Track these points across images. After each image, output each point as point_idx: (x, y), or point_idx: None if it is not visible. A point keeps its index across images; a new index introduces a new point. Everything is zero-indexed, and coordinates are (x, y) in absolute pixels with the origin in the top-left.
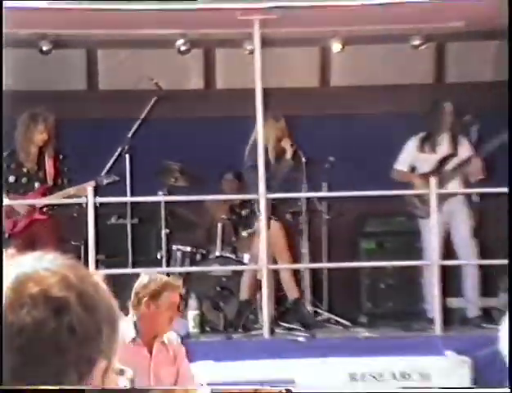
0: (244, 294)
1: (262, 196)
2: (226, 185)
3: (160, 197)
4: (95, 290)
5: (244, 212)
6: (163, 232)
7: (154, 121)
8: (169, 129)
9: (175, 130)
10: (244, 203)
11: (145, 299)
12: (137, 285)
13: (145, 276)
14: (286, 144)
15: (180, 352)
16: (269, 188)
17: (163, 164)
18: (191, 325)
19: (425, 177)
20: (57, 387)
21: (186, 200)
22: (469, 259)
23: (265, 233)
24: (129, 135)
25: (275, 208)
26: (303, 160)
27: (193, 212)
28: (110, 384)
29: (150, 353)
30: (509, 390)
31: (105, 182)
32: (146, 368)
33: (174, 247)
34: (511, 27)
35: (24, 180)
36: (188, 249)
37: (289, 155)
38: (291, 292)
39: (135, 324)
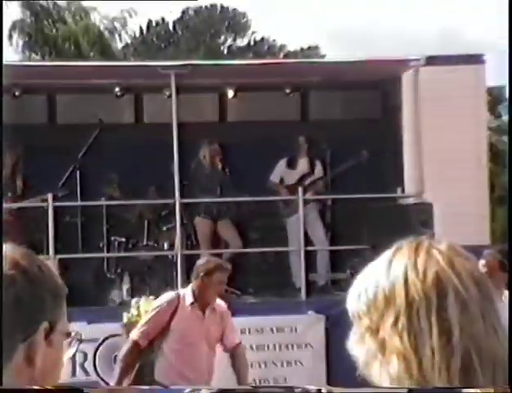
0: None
1: (177, 201)
2: (150, 195)
3: (102, 202)
4: (38, 268)
5: (163, 212)
6: (104, 227)
7: (98, 147)
8: (110, 153)
9: (114, 154)
10: (164, 206)
11: (202, 274)
12: (198, 263)
13: (205, 257)
14: (217, 160)
15: (226, 316)
16: (209, 190)
17: (104, 177)
18: (125, 295)
19: (289, 187)
20: (57, 387)
21: (122, 204)
22: (322, 245)
23: (179, 227)
24: (79, 156)
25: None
26: (227, 171)
27: (127, 213)
28: (54, 345)
29: (204, 315)
30: (509, 390)
31: (60, 194)
32: (200, 325)
33: (113, 238)
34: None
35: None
36: (123, 239)
37: (220, 167)
38: None
39: (193, 292)
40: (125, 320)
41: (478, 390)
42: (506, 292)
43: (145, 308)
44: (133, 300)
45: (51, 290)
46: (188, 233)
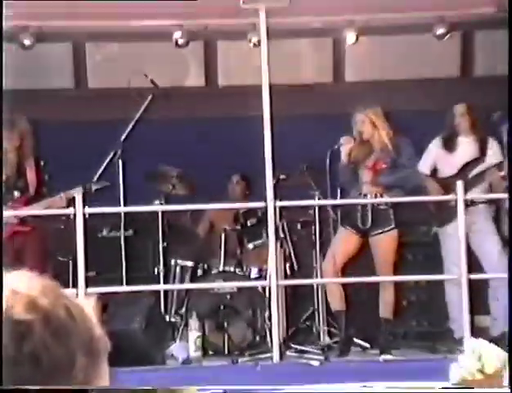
0: (335, 304)
1: (270, 204)
2: (233, 188)
3: (157, 207)
4: (66, 311)
5: (250, 221)
6: (161, 245)
7: (150, 122)
8: (166, 131)
9: (173, 132)
10: (251, 211)
11: None
12: None
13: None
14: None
15: None
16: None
17: (159, 169)
18: (192, 348)
19: (444, 181)
20: (57, 387)
21: (186, 209)
22: (497, 271)
23: (274, 245)
24: (122, 139)
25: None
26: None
27: (193, 222)
28: None
29: None
30: (509, 390)
31: (93, 188)
32: None
33: (173, 262)
34: (511, 23)
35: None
36: (188, 263)
37: (389, 146)
38: (335, 303)
39: None
40: None
41: (478, 391)
42: None
43: None
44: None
45: (84, 344)
46: (288, 253)
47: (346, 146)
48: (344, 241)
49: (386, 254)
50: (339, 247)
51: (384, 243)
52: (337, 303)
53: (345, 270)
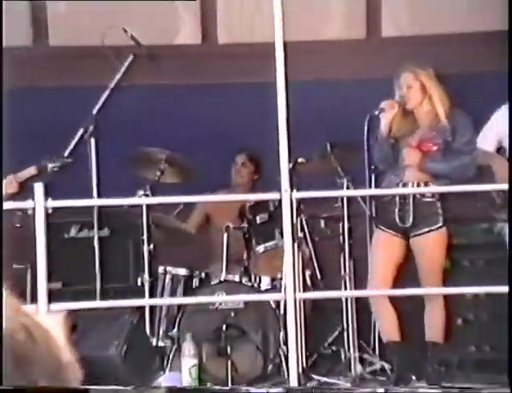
0: (391, 333)
1: (285, 195)
2: (238, 173)
3: (141, 199)
4: (29, 336)
5: (259, 217)
6: (146, 247)
7: (131, 91)
8: (152, 102)
9: (160, 103)
10: (261, 204)
11: None
12: None
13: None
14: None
15: None
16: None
17: (143, 151)
18: (186, 378)
19: None
20: (57, 387)
21: (178, 202)
22: None
23: (290, 248)
24: (94, 111)
25: None
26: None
27: (187, 219)
28: None
29: None
30: (509, 390)
31: (50, 167)
32: None
33: (161, 269)
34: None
35: None
36: (181, 271)
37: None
38: (388, 332)
39: None
40: None
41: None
42: None
43: None
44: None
45: (49, 374)
46: (308, 258)
47: (388, 112)
48: (385, 248)
49: (433, 259)
50: (380, 257)
51: (430, 246)
52: (390, 331)
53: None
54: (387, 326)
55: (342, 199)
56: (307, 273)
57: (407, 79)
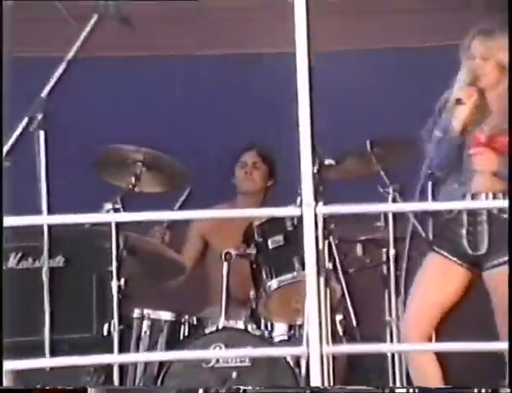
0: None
1: (307, 210)
2: (244, 178)
3: (108, 215)
4: None
5: (272, 241)
6: (115, 283)
7: (95, 64)
8: (124, 80)
9: (136, 82)
10: (274, 223)
11: None
12: None
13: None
14: None
15: None
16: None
17: (112, 149)
18: None
19: None
20: (57, 387)
21: (159, 219)
22: None
23: (314, 283)
24: (44, 93)
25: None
26: None
27: (172, 241)
28: None
29: None
30: (509, 390)
31: None
32: None
33: (137, 312)
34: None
35: None
36: (164, 315)
37: None
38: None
39: None
40: None
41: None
42: None
43: None
44: None
45: None
46: (339, 297)
47: (466, 103)
48: (439, 277)
49: None
50: (429, 288)
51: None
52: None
53: (441, 329)
54: (428, 382)
55: (386, 215)
56: (338, 317)
57: (482, 47)
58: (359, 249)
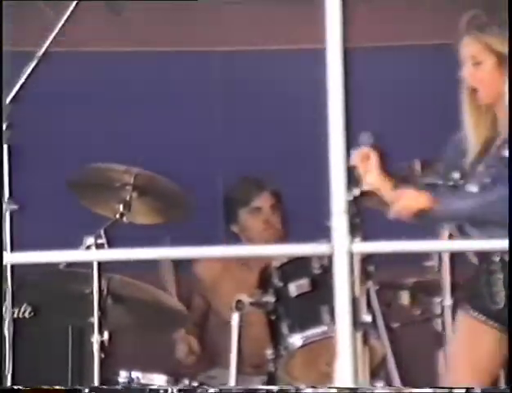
0: None
1: (339, 248)
2: (266, 222)
3: (90, 253)
4: None
5: (294, 287)
6: (96, 338)
7: (74, 61)
8: (111, 81)
9: (125, 83)
10: (296, 265)
11: None
12: None
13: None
14: None
15: None
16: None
17: (95, 169)
18: None
19: None
20: (57, 387)
21: (153, 258)
22: None
23: (349, 341)
24: (8, 98)
25: None
26: None
27: (172, 285)
28: None
29: None
30: (508, 391)
31: None
32: None
33: (124, 375)
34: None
35: None
36: (158, 379)
37: None
38: None
39: None
40: None
41: (478, 391)
42: None
43: None
44: None
45: None
46: (381, 358)
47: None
48: (469, 346)
49: None
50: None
51: None
52: None
53: None
54: None
55: (440, 255)
56: (380, 383)
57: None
58: (405, 297)
